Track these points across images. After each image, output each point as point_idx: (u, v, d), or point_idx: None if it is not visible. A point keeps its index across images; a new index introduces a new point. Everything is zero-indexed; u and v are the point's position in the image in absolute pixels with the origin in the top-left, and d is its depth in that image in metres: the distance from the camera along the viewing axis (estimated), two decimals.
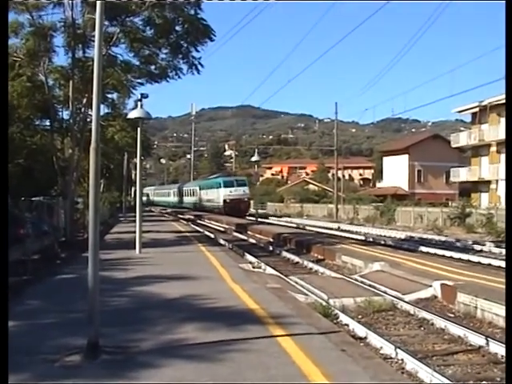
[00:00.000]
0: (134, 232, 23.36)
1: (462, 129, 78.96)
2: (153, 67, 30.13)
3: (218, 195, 70.21)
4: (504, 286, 14.24)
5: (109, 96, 37.13)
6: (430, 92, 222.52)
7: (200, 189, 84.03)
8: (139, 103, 22.18)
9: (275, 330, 9.44)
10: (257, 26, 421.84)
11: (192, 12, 27.43)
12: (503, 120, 61.62)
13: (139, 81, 31.51)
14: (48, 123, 33.76)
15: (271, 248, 29.70)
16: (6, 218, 8.67)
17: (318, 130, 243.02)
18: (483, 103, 63.29)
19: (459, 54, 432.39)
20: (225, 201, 67.94)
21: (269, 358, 7.82)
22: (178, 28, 27.95)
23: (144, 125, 27.46)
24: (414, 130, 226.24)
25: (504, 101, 60.07)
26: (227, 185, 69.57)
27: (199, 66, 29.14)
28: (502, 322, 12.04)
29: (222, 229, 47.80)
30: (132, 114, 22.71)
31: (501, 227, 39.80)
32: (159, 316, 10.69)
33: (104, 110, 39.02)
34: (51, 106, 30.98)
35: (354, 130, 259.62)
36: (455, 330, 11.58)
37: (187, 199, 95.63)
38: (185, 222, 53.11)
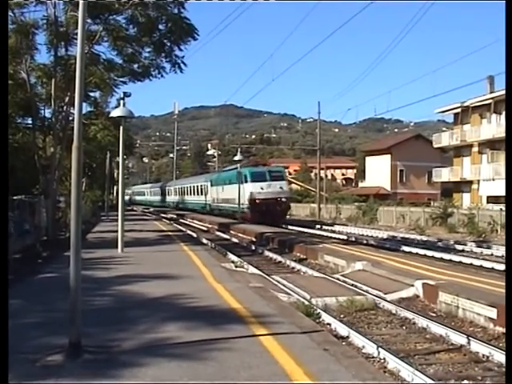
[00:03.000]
0: (117, 231, 23.29)
1: (444, 129, 79.42)
2: (136, 66, 30.03)
3: (243, 193, 48.74)
4: (487, 286, 14.41)
5: (91, 94, 37.02)
6: (412, 92, 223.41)
7: (212, 184, 63.91)
8: (122, 102, 22.10)
9: (258, 329, 9.44)
10: (240, 25, 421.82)
11: (175, 11, 27.38)
12: (485, 121, 62.09)
13: (122, 79, 31.40)
14: (30, 121, 33.57)
15: (254, 247, 29.72)
16: (6, 218, 8.63)
17: (301, 129, 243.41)
18: (465, 104, 63.66)
19: (442, 54, 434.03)
20: (253, 201, 46.68)
21: (251, 358, 7.82)
22: (161, 27, 27.87)
23: (127, 123, 27.46)
24: (396, 130, 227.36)
25: (485, 102, 60.63)
26: (256, 178, 48.10)
27: (182, 65, 29.08)
28: (482, 321, 12.14)
29: (204, 228, 47.83)
30: (114, 113, 22.63)
31: (482, 227, 40.12)
32: (142, 315, 10.67)
33: (86, 108, 38.92)
34: (33, 104, 30.78)
35: (336, 130, 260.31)
36: (437, 329, 11.65)
37: (189, 199, 79.17)
38: (167, 222, 53.03)
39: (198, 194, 73.18)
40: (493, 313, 11.88)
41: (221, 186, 58.95)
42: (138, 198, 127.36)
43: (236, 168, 53.01)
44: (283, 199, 47.74)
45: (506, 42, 7.64)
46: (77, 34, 8.85)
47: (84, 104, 32.87)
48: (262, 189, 47.20)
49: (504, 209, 45.36)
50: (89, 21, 25.15)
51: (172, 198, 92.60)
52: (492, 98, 59.60)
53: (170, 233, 34.96)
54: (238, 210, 49.87)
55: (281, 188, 48.08)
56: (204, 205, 68.08)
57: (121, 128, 23.43)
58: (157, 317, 10.50)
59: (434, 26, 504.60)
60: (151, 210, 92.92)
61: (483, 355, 9.98)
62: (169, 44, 28.38)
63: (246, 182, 48.50)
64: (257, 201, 46.64)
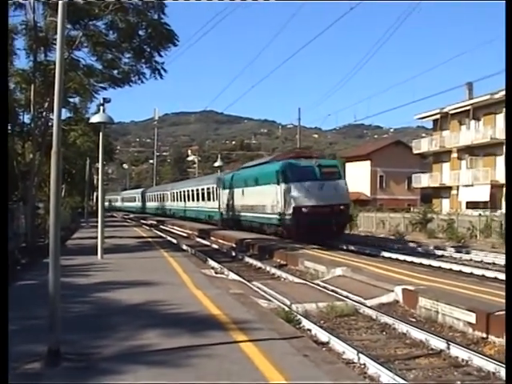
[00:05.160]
0: (96, 237, 23.19)
1: (423, 135, 79.99)
2: (115, 71, 29.92)
3: (280, 198, 34.01)
4: (466, 291, 14.48)
5: (71, 100, 36.78)
6: (392, 98, 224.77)
7: (224, 187, 48.34)
8: (101, 108, 22.05)
9: (238, 335, 9.43)
10: (221, 31, 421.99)
11: (155, 17, 27.37)
12: (464, 127, 62.66)
13: (102, 85, 31.26)
14: (9, 127, 33.35)
15: (234, 253, 29.68)
16: (6, 218, 8.57)
17: (281, 135, 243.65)
18: (444, 110, 64.22)
19: (421, 61, 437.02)
20: (297, 210, 32.30)
21: (231, 364, 7.81)
22: (141, 32, 27.83)
23: (106, 129, 27.33)
24: (376, 136, 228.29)
25: (464, 108, 61.10)
26: (302, 176, 33.37)
27: (162, 71, 29.03)
28: (462, 326, 12.20)
29: (184, 234, 47.65)
30: (94, 119, 22.58)
31: (461, 232, 40.35)
32: (121, 322, 10.63)
33: (66, 114, 38.64)
34: (12, 110, 30.59)
35: (316, 136, 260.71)
36: (417, 334, 11.68)
37: (189, 206, 65.93)
38: (147, 228, 52.85)
39: (201, 200, 59.08)
40: (472, 318, 11.93)
41: (240, 188, 43.14)
42: (126, 204, 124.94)
43: (267, 162, 40.86)
44: (341, 207, 33.20)
45: (506, 41, 7.69)
46: (56, 39, 8.80)
47: (63, 110, 32.71)
48: (310, 192, 32.78)
49: (483, 214, 45.76)
50: (68, 26, 25.07)
51: (166, 205, 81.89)
52: (471, 105, 60.17)
53: (150, 239, 34.86)
54: (271, 222, 36.37)
55: (337, 190, 33.47)
56: (211, 213, 53.59)
57: (100, 134, 23.35)
58: (136, 324, 10.47)
59: (414, 33, 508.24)
60: (131, 216, 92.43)
61: (462, 360, 10.03)
62: (149, 50, 28.34)
63: (286, 182, 33.52)
64: (303, 209, 32.15)
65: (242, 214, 42.76)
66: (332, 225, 32.17)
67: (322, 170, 33.70)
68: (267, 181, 36.65)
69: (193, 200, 63.57)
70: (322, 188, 32.72)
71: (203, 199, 57.83)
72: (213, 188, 53.12)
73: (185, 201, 68.13)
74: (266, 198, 36.47)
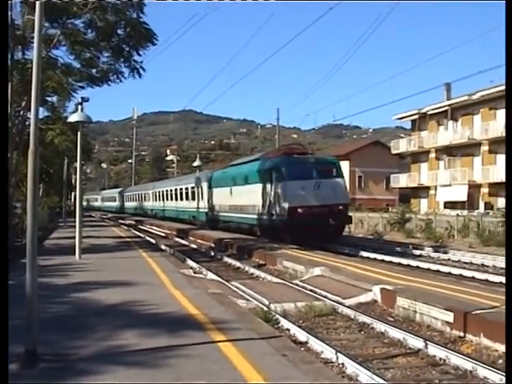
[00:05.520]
0: (74, 237, 23.06)
1: (402, 135, 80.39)
2: (94, 70, 29.74)
3: (274, 198, 32.41)
4: (444, 290, 14.55)
5: (49, 99, 36.54)
6: (371, 99, 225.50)
7: (211, 186, 46.22)
8: (80, 107, 21.95)
9: (216, 335, 9.42)
10: (200, 30, 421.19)
11: (134, 15, 27.25)
12: (442, 128, 63.02)
13: (80, 84, 31.06)
14: None
15: (213, 253, 29.64)
16: (6, 217, 8.51)
17: (260, 135, 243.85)
18: (423, 111, 64.57)
19: (400, 61, 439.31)
20: (293, 211, 30.20)
21: (210, 364, 7.81)
22: (120, 31, 27.67)
23: (84, 129, 27.25)
24: (355, 136, 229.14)
25: (443, 109, 61.46)
26: (297, 174, 31.30)
27: (141, 70, 28.88)
28: (440, 325, 12.26)
29: (163, 234, 47.51)
30: (72, 118, 22.46)
31: (439, 232, 40.55)
32: (99, 322, 10.58)
33: (44, 113, 38.42)
34: None
35: (295, 136, 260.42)
36: (395, 333, 11.72)
37: (171, 205, 64.06)
38: (126, 228, 52.64)
39: (185, 200, 56.56)
40: (449, 317, 12.00)
41: (228, 187, 40.88)
42: (106, 203, 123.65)
43: (258, 159, 38.44)
44: (340, 207, 31.31)
45: (506, 42, 7.72)
46: (34, 37, 8.74)
47: (41, 109, 32.50)
48: (306, 191, 30.81)
49: (460, 214, 46.05)
50: (46, 24, 24.88)
51: (147, 205, 78.98)
52: (449, 105, 60.54)
53: (128, 239, 34.72)
54: (263, 224, 34.24)
55: (335, 189, 31.63)
56: (196, 213, 50.68)
57: (78, 133, 23.24)
58: (114, 324, 10.43)
59: (393, 33, 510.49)
60: (109, 215, 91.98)
61: (440, 358, 10.09)
62: (127, 49, 28.21)
63: (280, 180, 31.64)
64: (299, 210, 30.09)
65: (231, 214, 40.71)
66: (329, 226, 30.41)
67: (319, 168, 31.95)
68: (259, 179, 34.81)
69: (176, 199, 61.39)
70: (319, 187, 30.94)
71: (187, 199, 55.35)
72: (198, 187, 50.39)
73: (168, 200, 65.85)
74: (257, 198, 34.52)
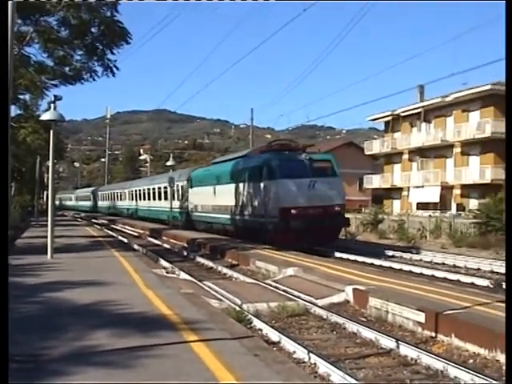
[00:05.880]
0: (46, 237, 22.90)
1: (375, 137, 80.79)
2: (67, 69, 29.53)
3: (264, 198, 29.87)
4: (415, 291, 14.65)
5: (21, 97, 36.26)
6: (344, 100, 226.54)
7: (193, 185, 43.89)
8: (52, 105, 21.77)
9: (189, 335, 9.41)
10: (174, 29, 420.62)
11: (108, 14, 27.11)
12: (415, 129, 63.46)
13: (53, 82, 30.83)
14: None
15: (186, 253, 29.58)
16: (7, 217, 8.43)
17: (234, 135, 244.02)
18: (396, 112, 64.94)
19: (374, 62, 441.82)
20: (285, 212, 27.84)
21: (182, 364, 7.81)
22: (93, 30, 27.51)
23: (57, 127, 26.98)
24: (328, 137, 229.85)
25: (416, 111, 61.86)
26: (290, 171, 28.83)
27: (114, 69, 28.74)
28: (411, 325, 12.34)
29: (136, 234, 47.32)
30: (45, 116, 22.26)
31: (412, 233, 40.81)
32: (71, 322, 10.52)
33: (16, 111, 38.11)
34: None
35: (269, 136, 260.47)
36: (367, 333, 11.78)
37: (146, 205, 61.81)
38: (98, 227, 52.36)
39: (164, 199, 53.06)
40: (421, 317, 12.08)
41: (212, 186, 38.35)
42: (80, 203, 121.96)
43: (245, 155, 35.61)
44: (336, 208, 28.94)
45: (506, 42, 7.74)
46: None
47: (13, 107, 32.25)
48: (300, 191, 28.38)
49: (432, 215, 46.39)
50: (19, 21, 24.70)
51: (123, 204, 75.55)
52: (422, 107, 60.95)
53: (100, 239, 34.55)
54: (252, 226, 31.63)
55: (332, 189, 29.38)
56: (176, 214, 48.11)
57: (51, 132, 23.05)
58: (86, 324, 10.37)
59: (367, 35, 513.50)
60: (82, 215, 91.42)
61: (412, 358, 10.15)
62: (101, 47, 28.05)
63: (271, 178, 29.07)
64: (292, 211, 27.70)
65: (214, 215, 37.99)
66: (325, 229, 28.02)
67: (314, 165, 29.45)
68: (247, 177, 32.04)
69: (154, 199, 58.30)
70: (314, 186, 28.34)
71: (166, 198, 50.87)
72: (179, 186, 47.59)
73: (145, 200, 62.69)
74: (244, 198, 32.24)
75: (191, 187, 43.86)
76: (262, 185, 29.75)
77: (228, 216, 35.17)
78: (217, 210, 37.28)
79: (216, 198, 37.27)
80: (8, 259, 7.95)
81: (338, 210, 28.85)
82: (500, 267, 22.91)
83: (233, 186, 34.03)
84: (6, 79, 9.10)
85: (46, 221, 26.46)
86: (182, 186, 47.04)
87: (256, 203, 30.50)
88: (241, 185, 32.82)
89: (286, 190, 28.30)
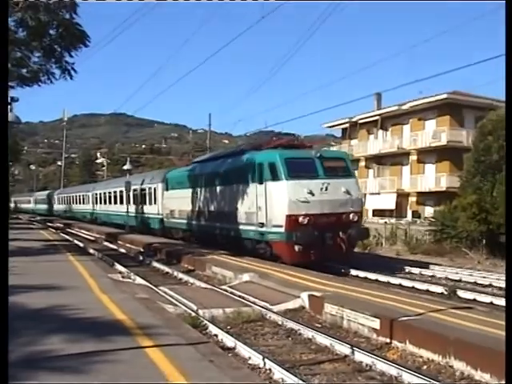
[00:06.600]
0: None
1: (332, 143, 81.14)
2: (24, 70, 29.22)
3: (265, 203, 23.99)
4: (371, 297, 14.76)
5: None
6: (302, 106, 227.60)
7: (168, 187, 37.98)
8: (9, 107, 21.55)
9: (143, 340, 9.38)
10: (133, 33, 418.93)
11: (67, 16, 26.89)
12: (372, 137, 63.98)
13: (10, 84, 30.54)
14: None
15: (142, 258, 29.42)
16: (7, 216, 8.31)
17: (192, 140, 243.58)
18: (353, 119, 65.36)
19: (331, 70, 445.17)
20: (292, 220, 22.53)
21: (136, 370, 7.79)
22: (52, 31, 27.26)
23: (13, 129, 26.69)
24: None
25: (373, 118, 62.39)
26: (298, 170, 23.46)
27: (72, 72, 28.49)
28: (366, 332, 12.42)
29: (92, 238, 46.90)
30: None
31: (367, 240, 41.05)
32: (24, 327, 10.38)
33: None
34: None
35: (226, 142, 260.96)
36: (322, 339, 11.84)
37: (112, 209, 55.19)
38: (54, 231, 51.80)
39: (133, 203, 47.85)
40: (376, 323, 12.18)
41: (196, 188, 32.69)
42: (38, 206, 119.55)
43: (239, 152, 28.96)
44: (351, 215, 23.83)
45: (506, 42, 7.77)
46: None
47: None
48: (309, 194, 23.07)
49: (388, 222, 46.77)
50: None
51: (85, 208, 69.05)
52: (379, 115, 61.49)
53: (56, 242, 34.19)
54: (248, 237, 26.02)
55: (347, 192, 23.96)
56: (150, 220, 42.69)
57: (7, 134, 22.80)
58: (40, 329, 10.28)
59: (326, 41, 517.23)
60: (38, 218, 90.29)
61: (366, 364, 10.23)
62: (59, 49, 27.81)
63: (275, 179, 23.64)
64: (300, 219, 22.63)
65: (197, 222, 32.41)
66: (339, 240, 23.37)
67: (326, 164, 24.21)
68: (242, 178, 26.11)
69: (122, 203, 51.50)
70: (327, 189, 23.40)
71: (141, 202, 45.18)
72: (155, 188, 41.79)
73: (112, 204, 55.64)
74: (239, 203, 26.55)
75: (166, 190, 38.22)
76: (262, 187, 24.21)
77: (217, 224, 29.45)
78: (201, 216, 31.67)
79: (200, 203, 31.81)
80: (8, 259, 7.88)
81: (354, 219, 23.94)
82: (455, 274, 23.27)
83: (222, 188, 28.88)
84: (6, 79, 9.07)
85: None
86: (154, 189, 41.79)
87: (254, 209, 24.91)
88: (233, 187, 27.34)
89: (292, 193, 22.99)
